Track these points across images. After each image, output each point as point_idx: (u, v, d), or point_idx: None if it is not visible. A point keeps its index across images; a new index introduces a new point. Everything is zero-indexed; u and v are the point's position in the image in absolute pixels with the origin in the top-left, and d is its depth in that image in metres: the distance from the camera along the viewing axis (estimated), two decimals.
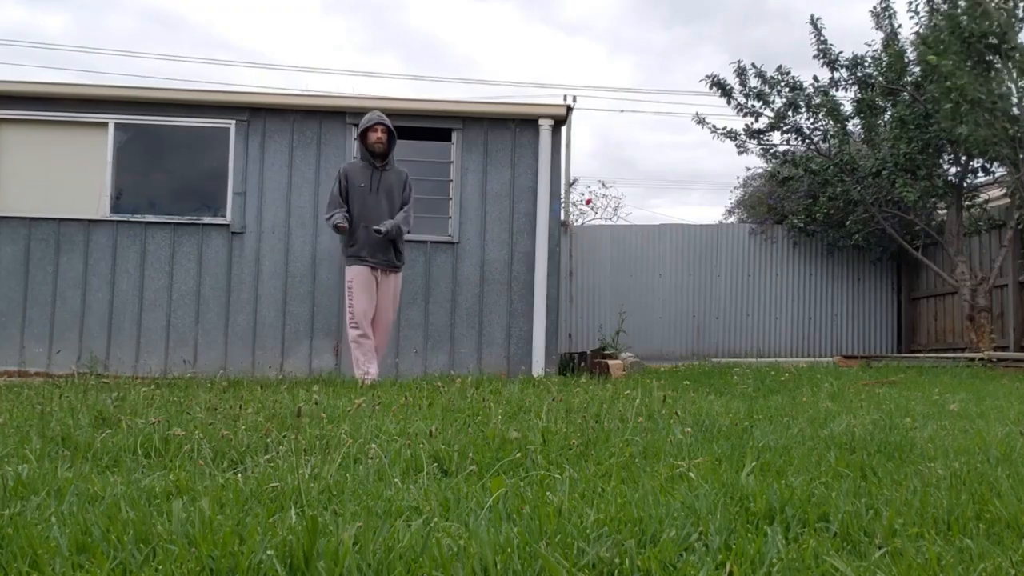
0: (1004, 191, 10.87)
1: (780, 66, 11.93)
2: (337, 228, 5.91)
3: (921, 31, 10.38)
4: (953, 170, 11.28)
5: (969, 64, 8.70)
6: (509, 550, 1.51)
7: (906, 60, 10.90)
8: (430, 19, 63.60)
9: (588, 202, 21.37)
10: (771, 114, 12.09)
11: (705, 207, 53.90)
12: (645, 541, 1.62)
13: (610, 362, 7.25)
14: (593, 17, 64.11)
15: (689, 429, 2.93)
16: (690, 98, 49.54)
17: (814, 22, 11.47)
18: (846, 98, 11.77)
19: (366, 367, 5.86)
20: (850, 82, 11.51)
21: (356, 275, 5.94)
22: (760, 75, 11.93)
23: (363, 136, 6.04)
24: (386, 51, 71.52)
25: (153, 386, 4.69)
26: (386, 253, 6.02)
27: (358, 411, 3.32)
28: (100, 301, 7.63)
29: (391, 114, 7.99)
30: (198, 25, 57.91)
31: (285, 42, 61.00)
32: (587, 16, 63.41)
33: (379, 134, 6.01)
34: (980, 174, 11.13)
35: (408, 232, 6.16)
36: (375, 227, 5.87)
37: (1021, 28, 8.79)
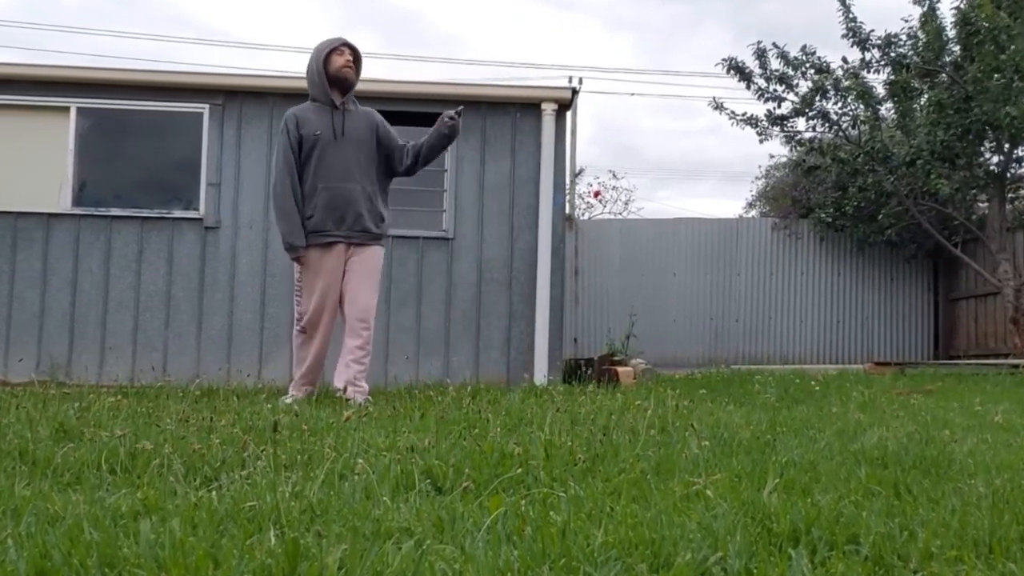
0: None
1: (805, 46, 11.94)
2: (291, 248, 4.82)
3: (963, 6, 10.38)
4: (996, 159, 11.28)
5: None
6: (509, 575, 1.51)
7: (945, 38, 10.90)
8: None
9: (596, 195, 21.35)
10: (795, 99, 12.09)
11: (717, 199, 53.85)
12: (658, 565, 1.62)
13: (619, 369, 7.25)
14: None
15: (706, 443, 2.94)
16: (696, 80, 49.60)
17: None
18: (878, 80, 11.78)
19: (295, 387, 4.90)
20: (883, 63, 11.49)
21: (309, 258, 4.83)
22: (783, 56, 11.92)
23: (326, 61, 4.92)
24: (363, 29, 71.51)
25: (119, 395, 4.69)
26: (356, 219, 4.84)
27: (344, 423, 3.32)
28: (61, 303, 7.63)
29: (378, 97, 8.02)
30: (157, 0, 57.79)
31: (253, 19, 60.85)
32: None
33: (347, 57, 4.91)
34: None
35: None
36: (450, 113, 4.81)
37: None
